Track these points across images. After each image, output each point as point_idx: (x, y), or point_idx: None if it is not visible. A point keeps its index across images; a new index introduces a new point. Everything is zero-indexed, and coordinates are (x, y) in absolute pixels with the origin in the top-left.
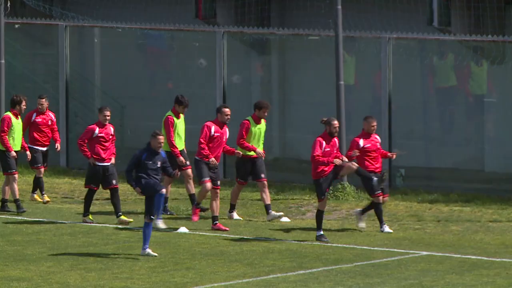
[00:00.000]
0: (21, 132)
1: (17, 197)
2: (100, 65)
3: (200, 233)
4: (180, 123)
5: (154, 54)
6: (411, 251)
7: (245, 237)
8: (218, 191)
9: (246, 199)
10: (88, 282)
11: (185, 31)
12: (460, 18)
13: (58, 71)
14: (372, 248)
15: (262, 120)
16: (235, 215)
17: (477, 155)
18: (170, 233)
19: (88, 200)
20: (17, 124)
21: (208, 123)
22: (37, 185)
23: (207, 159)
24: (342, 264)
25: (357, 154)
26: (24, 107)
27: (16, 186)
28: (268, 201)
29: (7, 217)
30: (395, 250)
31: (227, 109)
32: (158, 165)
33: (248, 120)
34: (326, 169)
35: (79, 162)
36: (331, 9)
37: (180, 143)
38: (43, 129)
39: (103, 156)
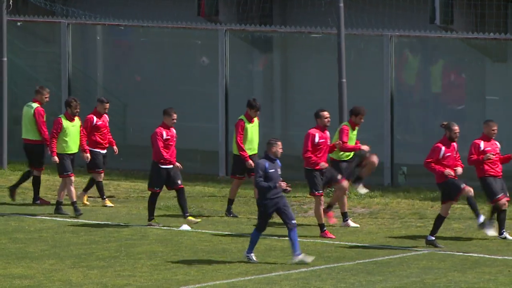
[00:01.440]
0: (78, 135)
1: (74, 199)
2: (103, 63)
3: (202, 230)
4: (252, 128)
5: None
6: (413, 249)
7: (247, 235)
8: (322, 198)
9: (248, 196)
10: (90, 280)
11: (187, 29)
12: (462, 16)
13: (60, 69)
14: (374, 246)
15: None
16: (351, 223)
17: None
18: (172, 231)
19: (152, 203)
20: (70, 126)
21: (312, 131)
22: (99, 189)
23: (317, 167)
24: (344, 262)
25: (492, 157)
26: (77, 110)
27: (72, 189)
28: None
29: (10, 214)
30: (397, 248)
31: (325, 113)
32: (279, 172)
33: (346, 125)
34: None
35: (80, 160)
36: (333, 7)
37: (252, 148)
38: (104, 131)
39: (169, 158)
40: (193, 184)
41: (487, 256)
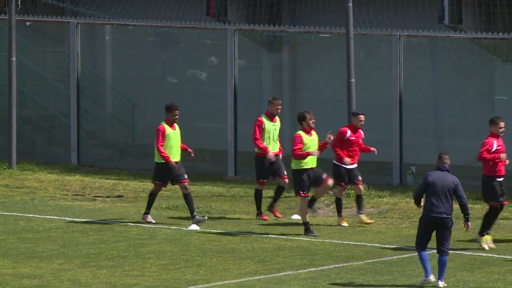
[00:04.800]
0: (315, 147)
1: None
2: (111, 63)
3: (211, 230)
4: None
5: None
6: None
7: (256, 234)
8: None
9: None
10: (99, 280)
11: (196, 29)
12: (471, 15)
13: (69, 68)
14: (383, 246)
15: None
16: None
17: None
18: (181, 231)
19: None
20: (310, 141)
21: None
22: (338, 206)
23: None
24: (353, 262)
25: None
26: (312, 121)
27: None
28: None
29: (19, 214)
30: (406, 247)
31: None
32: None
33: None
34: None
35: (90, 159)
36: (342, 7)
37: None
38: (355, 148)
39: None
40: (202, 184)
41: (495, 255)
